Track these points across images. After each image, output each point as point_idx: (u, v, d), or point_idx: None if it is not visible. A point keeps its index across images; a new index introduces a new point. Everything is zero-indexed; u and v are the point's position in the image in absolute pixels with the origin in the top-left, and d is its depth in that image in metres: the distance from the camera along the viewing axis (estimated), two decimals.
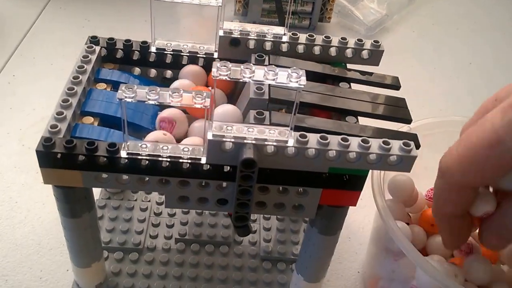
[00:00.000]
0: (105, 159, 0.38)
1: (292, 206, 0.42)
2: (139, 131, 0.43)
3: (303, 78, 0.35)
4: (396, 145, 0.38)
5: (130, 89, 0.34)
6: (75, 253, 0.45)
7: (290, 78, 0.35)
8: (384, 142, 0.38)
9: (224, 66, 0.34)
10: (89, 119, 0.42)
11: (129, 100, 0.34)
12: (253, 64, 0.38)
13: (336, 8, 0.96)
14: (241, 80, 0.34)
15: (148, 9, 0.43)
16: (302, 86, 0.35)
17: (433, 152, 0.45)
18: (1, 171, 0.64)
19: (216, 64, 0.34)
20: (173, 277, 0.52)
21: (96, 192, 0.59)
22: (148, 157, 0.38)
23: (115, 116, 0.43)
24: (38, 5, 0.94)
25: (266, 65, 0.37)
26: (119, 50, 0.47)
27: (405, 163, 0.39)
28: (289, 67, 0.35)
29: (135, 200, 0.59)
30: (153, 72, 0.48)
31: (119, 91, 0.34)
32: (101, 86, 0.45)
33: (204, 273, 0.53)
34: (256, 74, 0.35)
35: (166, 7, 0.45)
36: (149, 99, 0.34)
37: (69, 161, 0.37)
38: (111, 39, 0.47)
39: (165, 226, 0.57)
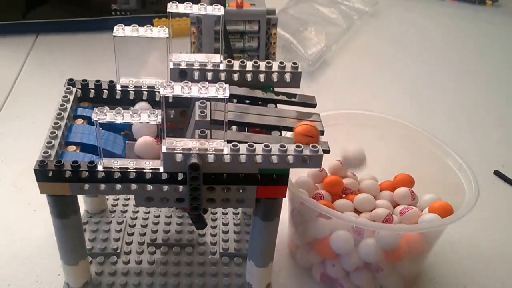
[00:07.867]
0: (86, 173, 0.49)
1: (236, 200, 0.54)
2: (111, 157, 0.54)
3: (227, 90, 0.47)
4: (307, 148, 0.51)
5: (102, 112, 0.46)
6: (64, 250, 0.56)
7: (218, 91, 0.47)
8: (297, 146, 0.50)
9: (169, 85, 0.47)
10: (72, 148, 0.54)
11: (102, 120, 0.46)
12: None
13: (280, 42, 1.02)
14: (183, 96, 0.46)
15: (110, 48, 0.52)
16: (228, 96, 0.47)
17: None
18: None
19: (163, 84, 0.47)
20: (146, 274, 0.63)
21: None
22: (119, 170, 0.50)
23: (92, 144, 0.55)
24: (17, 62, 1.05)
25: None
26: (91, 90, 0.59)
27: (315, 160, 0.51)
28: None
29: (113, 217, 0.70)
30: None
31: (93, 113, 0.46)
32: (79, 121, 0.57)
33: (173, 269, 0.64)
34: (192, 90, 0.47)
35: (129, 44, 0.53)
36: (116, 120, 0.46)
37: (59, 176, 0.49)
38: (84, 80, 0.59)
39: (138, 234, 0.68)
